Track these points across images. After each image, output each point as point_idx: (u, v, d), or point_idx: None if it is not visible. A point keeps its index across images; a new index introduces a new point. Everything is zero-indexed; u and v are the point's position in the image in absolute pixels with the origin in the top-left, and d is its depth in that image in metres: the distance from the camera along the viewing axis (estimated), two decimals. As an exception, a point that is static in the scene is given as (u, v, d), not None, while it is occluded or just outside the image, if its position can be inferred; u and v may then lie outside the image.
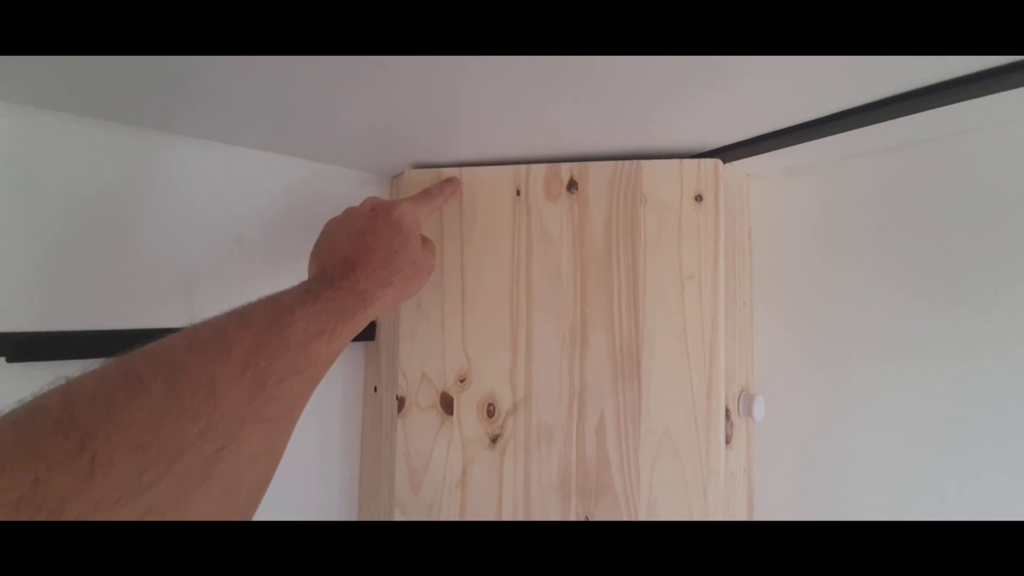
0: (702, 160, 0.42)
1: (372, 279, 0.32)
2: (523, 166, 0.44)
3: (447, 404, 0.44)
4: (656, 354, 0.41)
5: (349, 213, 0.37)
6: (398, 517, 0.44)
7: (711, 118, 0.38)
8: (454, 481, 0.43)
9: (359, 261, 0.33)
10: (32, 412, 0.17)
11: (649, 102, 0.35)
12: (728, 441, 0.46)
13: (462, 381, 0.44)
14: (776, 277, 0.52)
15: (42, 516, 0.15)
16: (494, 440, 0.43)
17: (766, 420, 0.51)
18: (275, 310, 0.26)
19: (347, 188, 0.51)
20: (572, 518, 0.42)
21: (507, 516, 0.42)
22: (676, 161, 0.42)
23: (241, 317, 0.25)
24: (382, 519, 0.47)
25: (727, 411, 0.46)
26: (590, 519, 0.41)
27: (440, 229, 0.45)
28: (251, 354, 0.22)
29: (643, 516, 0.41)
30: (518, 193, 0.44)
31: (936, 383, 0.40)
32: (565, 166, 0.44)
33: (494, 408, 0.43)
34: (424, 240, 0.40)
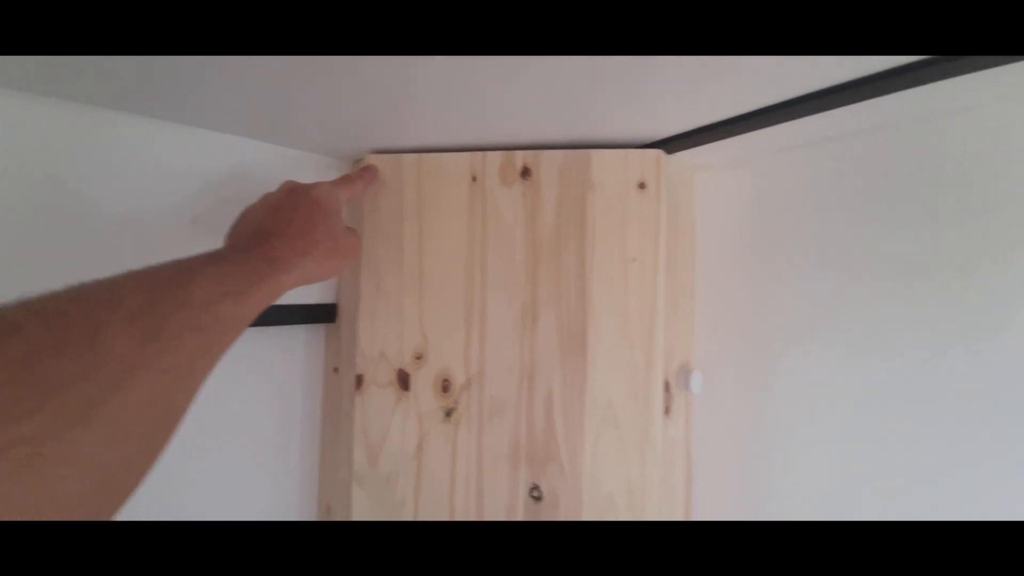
0: (645, 150, 0.45)
1: (287, 247, 0.32)
2: (479, 153, 0.46)
3: (404, 380, 0.46)
4: (601, 332, 0.44)
5: (265, 196, 0.38)
6: (356, 491, 0.46)
7: (652, 111, 0.41)
8: (410, 453, 0.45)
9: (275, 231, 0.33)
10: None
11: (593, 97, 0.37)
12: (667, 412, 0.49)
13: (419, 358, 0.46)
14: (717, 262, 0.56)
15: None
16: (448, 414, 0.45)
17: (705, 394, 0.55)
18: (176, 270, 0.26)
19: (308, 171, 0.52)
20: (521, 486, 0.44)
21: (460, 485, 0.45)
22: (622, 151, 0.45)
23: (137, 275, 0.25)
24: (341, 494, 0.48)
25: (667, 384, 0.49)
26: (538, 485, 0.44)
27: (400, 212, 0.47)
28: (143, 308, 0.23)
29: (586, 482, 0.44)
30: (474, 179, 0.46)
31: (857, 363, 0.44)
32: (519, 154, 0.46)
33: (449, 383, 0.45)
34: (349, 228, 0.41)
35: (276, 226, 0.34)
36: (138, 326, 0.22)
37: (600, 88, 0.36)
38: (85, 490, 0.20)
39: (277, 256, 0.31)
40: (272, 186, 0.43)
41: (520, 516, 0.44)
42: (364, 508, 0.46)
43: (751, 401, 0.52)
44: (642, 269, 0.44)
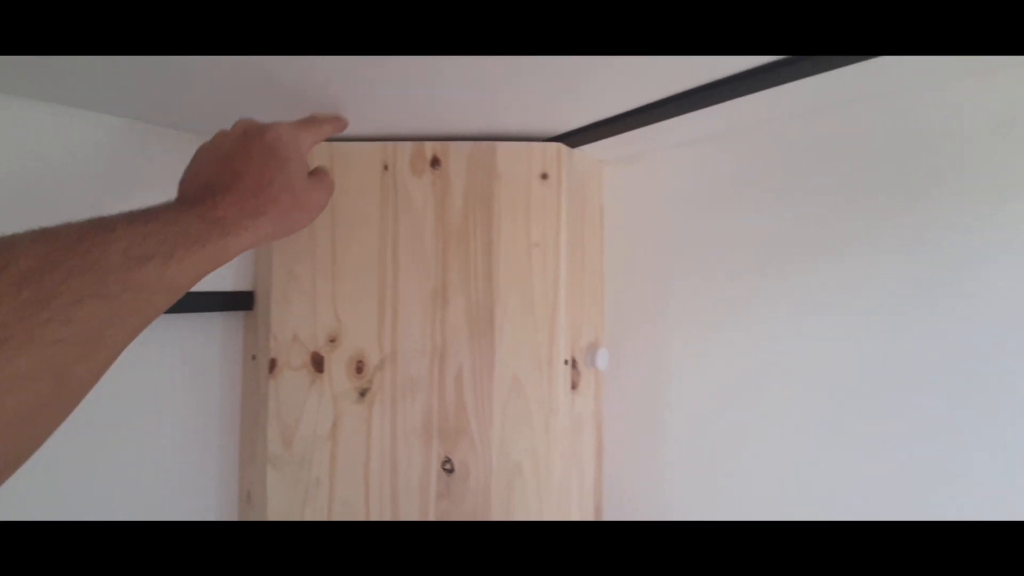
0: (547, 144, 0.49)
1: (236, 207, 0.29)
2: (390, 143, 0.48)
3: (318, 363, 0.47)
4: (507, 312, 0.47)
5: (218, 137, 0.34)
6: (271, 473, 0.47)
7: (551, 108, 0.44)
8: (325, 434, 0.47)
9: (222, 186, 0.29)
10: None
11: (498, 94, 0.40)
12: (575, 387, 0.53)
13: (332, 341, 0.47)
14: (623, 249, 0.60)
15: None
16: (363, 394, 0.47)
17: (615, 370, 0.60)
18: (88, 228, 0.23)
19: (177, 153, 0.51)
20: (434, 460, 0.47)
21: (375, 462, 0.47)
22: (525, 144, 0.48)
23: (40, 233, 0.22)
24: (258, 479, 0.49)
25: (574, 361, 0.53)
26: (450, 458, 0.47)
27: (310, 199, 0.48)
28: (36, 270, 0.20)
29: (495, 452, 0.47)
30: (385, 168, 0.48)
31: (750, 344, 0.49)
32: (429, 144, 0.48)
33: (363, 365, 0.47)
34: (316, 172, 0.37)
35: (224, 180, 0.30)
36: (25, 292, 0.20)
37: (504, 86, 0.39)
38: None
39: (223, 216, 0.28)
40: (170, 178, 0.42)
41: (433, 489, 0.47)
42: (279, 490, 0.47)
43: (653, 378, 0.57)
44: (544, 253, 0.48)
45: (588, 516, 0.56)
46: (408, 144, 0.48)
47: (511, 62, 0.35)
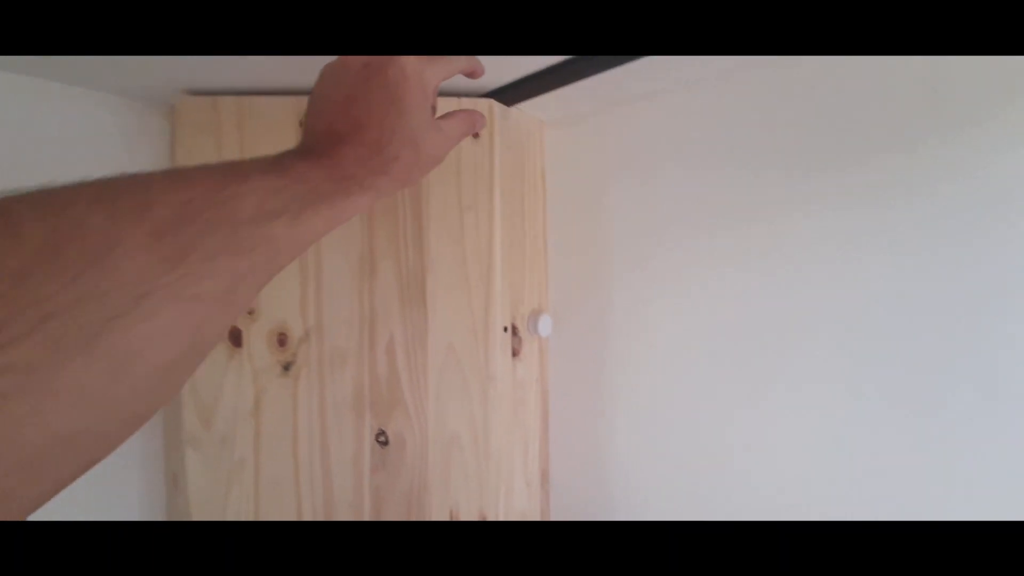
0: (479, 100, 0.46)
1: (361, 165, 0.27)
2: (305, 96, 0.44)
3: (235, 337, 0.44)
4: (439, 279, 0.46)
5: (341, 65, 0.30)
6: (190, 454, 0.44)
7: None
8: (247, 411, 0.44)
9: (346, 137, 0.27)
10: None
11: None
12: (516, 354, 0.53)
13: (250, 314, 0.44)
14: (567, 213, 0.59)
15: None
16: (287, 368, 0.44)
17: (560, 336, 0.59)
18: (225, 176, 0.22)
19: (108, 117, 0.46)
20: (366, 432, 0.45)
21: (303, 438, 0.45)
22: (454, 99, 0.46)
23: (178, 176, 0.21)
24: (180, 460, 0.46)
25: (515, 328, 0.52)
26: (384, 430, 0.45)
27: (220, 159, 0.44)
28: (174, 221, 0.19)
29: (431, 422, 0.46)
30: (301, 124, 0.44)
31: (693, 302, 0.49)
32: (349, 99, 0.45)
33: (286, 337, 0.44)
34: (447, 117, 0.33)
35: (347, 128, 0.28)
36: (165, 243, 0.19)
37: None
38: (84, 425, 0.18)
39: (350, 175, 0.26)
40: (58, 139, 0.37)
41: (367, 462, 0.45)
42: (200, 471, 0.44)
43: (600, 343, 0.57)
44: (477, 217, 0.46)
45: (534, 482, 0.57)
46: (327, 99, 0.44)
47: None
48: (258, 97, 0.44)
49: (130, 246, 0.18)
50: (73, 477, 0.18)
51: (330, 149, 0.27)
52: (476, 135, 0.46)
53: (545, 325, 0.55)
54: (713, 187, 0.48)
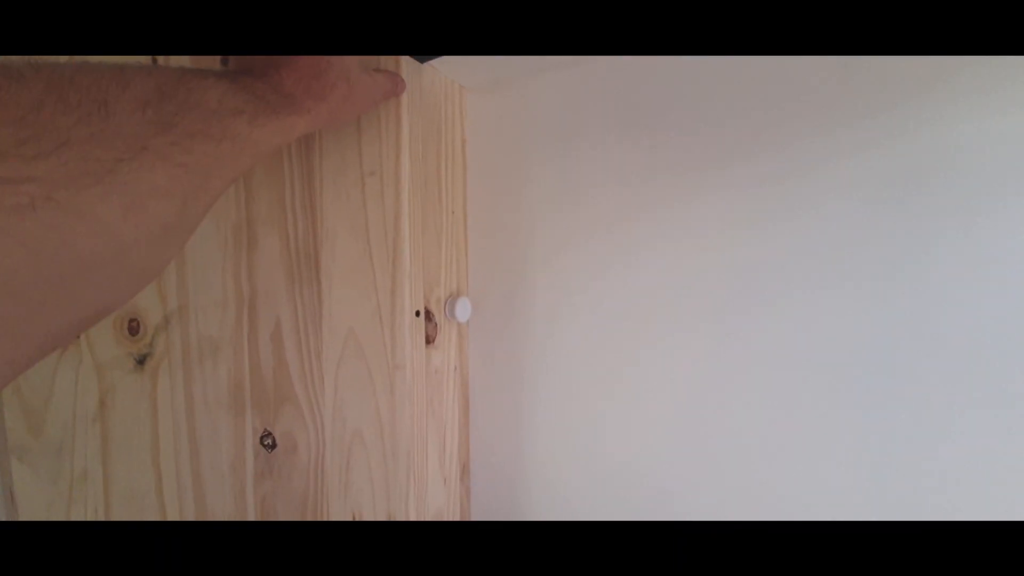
0: (383, 56, 0.40)
1: (301, 86, 0.29)
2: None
3: (69, 324, 0.35)
4: (336, 254, 0.39)
5: None
6: (16, 466, 0.35)
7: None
8: (89, 415, 0.36)
9: (283, 61, 0.28)
10: None
11: None
12: (431, 341, 0.48)
13: (90, 294, 0.36)
14: (488, 188, 0.54)
15: None
16: (141, 361, 0.36)
17: (481, 322, 0.55)
18: (183, 72, 0.23)
19: None
20: (248, 434, 0.39)
21: (165, 443, 0.37)
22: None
23: (143, 66, 0.22)
24: (6, 472, 0.37)
25: (429, 312, 0.47)
26: (270, 431, 0.39)
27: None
28: (152, 96, 0.21)
29: (328, 419, 0.40)
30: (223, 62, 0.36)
31: (619, 280, 0.46)
32: (219, 34, 0.37)
33: (138, 324, 0.36)
34: (380, 71, 0.36)
35: (283, 57, 0.28)
36: (149, 113, 0.20)
37: None
38: (101, 254, 0.19)
39: (291, 92, 0.28)
40: None
41: (250, 469, 0.39)
42: (30, 485, 0.36)
43: (522, 327, 0.53)
44: (382, 184, 0.40)
45: (453, 476, 0.52)
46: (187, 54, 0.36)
47: None
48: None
49: (119, 107, 0.19)
50: (82, 322, 0.19)
51: (269, 70, 0.28)
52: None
53: (463, 310, 0.51)
54: (640, 165, 0.45)
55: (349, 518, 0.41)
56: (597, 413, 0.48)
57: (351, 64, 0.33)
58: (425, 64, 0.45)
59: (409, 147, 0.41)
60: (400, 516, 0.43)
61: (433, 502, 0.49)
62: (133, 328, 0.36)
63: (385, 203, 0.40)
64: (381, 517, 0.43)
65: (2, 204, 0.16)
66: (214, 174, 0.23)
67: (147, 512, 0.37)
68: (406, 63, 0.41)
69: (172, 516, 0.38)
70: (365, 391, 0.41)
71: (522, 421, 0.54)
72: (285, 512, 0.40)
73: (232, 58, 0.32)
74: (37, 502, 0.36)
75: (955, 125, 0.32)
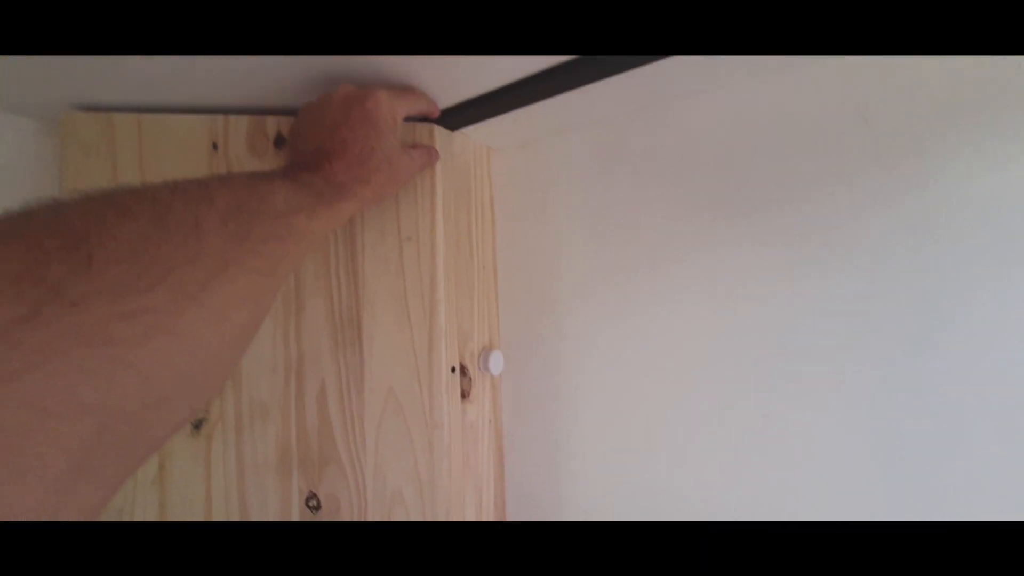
0: (419, 124, 0.42)
1: (348, 174, 0.32)
2: (220, 116, 0.39)
3: (133, 392, 0.38)
4: (377, 316, 0.41)
5: (323, 100, 0.36)
6: (79, 532, 0.37)
7: (419, 80, 0.38)
8: (149, 478, 0.38)
9: (334, 154, 0.32)
10: (24, 216, 0.18)
11: (360, 66, 0.33)
12: (466, 396, 0.48)
13: (152, 364, 0.38)
14: (516, 242, 0.56)
15: (42, 290, 0.16)
16: (197, 426, 0.38)
17: (513, 373, 0.56)
18: (254, 179, 0.26)
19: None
20: (294, 495, 0.40)
21: (217, 504, 0.38)
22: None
23: (223, 178, 0.25)
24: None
25: (464, 368, 0.48)
26: (315, 493, 0.40)
27: (114, 183, 0.38)
28: (232, 209, 0.23)
29: (370, 480, 0.41)
30: (215, 147, 0.39)
31: (648, 332, 0.46)
32: (271, 119, 0.40)
33: (195, 390, 0.38)
34: (416, 146, 0.40)
35: (335, 147, 0.33)
36: (230, 226, 0.23)
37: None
38: (196, 366, 0.21)
39: (340, 182, 0.31)
40: None
41: (295, 528, 0.40)
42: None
43: (555, 378, 0.53)
44: (419, 248, 0.42)
45: (488, 532, 0.52)
46: (244, 118, 0.39)
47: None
48: (161, 115, 0.39)
49: (208, 226, 0.22)
50: (183, 422, 0.21)
51: (323, 162, 0.32)
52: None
53: (496, 363, 0.51)
54: (662, 217, 0.46)
55: (390, 578, 0.41)
56: (632, 458, 0.48)
57: (392, 146, 0.36)
58: (456, 131, 0.47)
59: (443, 212, 0.43)
60: None
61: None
62: (190, 394, 0.38)
63: (421, 267, 0.42)
64: None
65: (123, 337, 0.17)
66: (280, 270, 0.26)
67: (197, 574, 0.38)
68: (439, 132, 0.44)
69: (221, 578, 0.39)
70: (404, 450, 0.42)
71: (557, 470, 0.53)
72: (328, 573, 0.40)
73: (286, 149, 0.35)
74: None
75: (979, 176, 0.32)
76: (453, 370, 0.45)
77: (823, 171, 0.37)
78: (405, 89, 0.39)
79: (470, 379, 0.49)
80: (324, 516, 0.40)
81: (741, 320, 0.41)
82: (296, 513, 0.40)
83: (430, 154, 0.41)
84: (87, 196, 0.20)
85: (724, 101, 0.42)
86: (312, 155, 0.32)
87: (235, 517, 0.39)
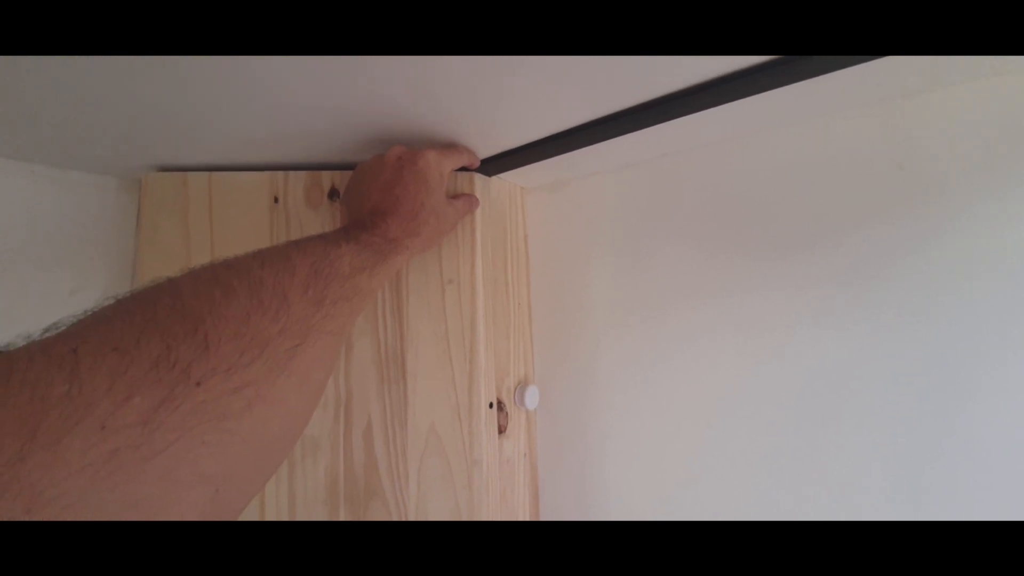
0: (460, 173, 0.45)
1: (401, 228, 0.35)
2: (280, 173, 0.43)
3: (197, 428, 0.41)
4: (420, 356, 0.43)
5: (376, 161, 0.38)
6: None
7: (465, 135, 0.41)
8: (208, 510, 0.40)
9: (389, 211, 0.35)
10: (147, 302, 0.20)
11: (397, 115, 0.36)
12: (503, 431, 0.50)
13: (215, 401, 0.41)
14: (550, 278, 0.58)
15: (175, 373, 0.18)
16: (253, 460, 0.41)
17: (548, 408, 0.57)
18: (326, 243, 0.29)
19: (79, 196, 0.44)
20: (341, 528, 0.41)
21: (270, 538, 0.40)
22: (436, 172, 0.45)
23: (299, 245, 0.28)
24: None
25: (501, 403, 0.50)
26: (360, 526, 0.41)
27: (187, 237, 0.42)
28: (310, 276, 0.26)
29: (412, 514, 0.42)
30: (276, 200, 0.43)
31: (682, 367, 0.47)
32: (326, 174, 0.43)
33: (253, 426, 0.41)
34: (459, 196, 0.43)
35: (389, 205, 0.35)
36: (309, 293, 0.25)
37: (410, 107, 0.35)
38: (283, 428, 0.23)
39: (395, 237, 0.34)
40: (36, 217, 0.38)
41: (341, 562, 0.41)
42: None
43: (588, 411, 0.54)
44: (460, 291, 0.44)
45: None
46: (302, 174, 0.43)
47: (415, 77, 0.31)
48: (229, 173, 0.43)
49: (293, 295, 0.24)
50: (270, 477, 0.24)
51: (379, 221, 0.34)
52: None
53: (532, 397, 0.53)
54: (694, 255, 0.47)
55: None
56: (665, 494, 0.48)
57: (440, 200, 0.39)
58: (493, 177, 0.50)
59: (482, 256, 0.45)
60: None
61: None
62: (248, 430, 0.41)
63: (462, 308, 0.44)
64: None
65: (233, 410, 0.19)
66: (347, 328, 0.28)
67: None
68: (479, 179, 0.47)
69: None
70: (445, 486, 0.43)
71: (591, 505, 0.53)
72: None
73: (341, 207, 0.39)
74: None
75: (1017, 224, 0.33)
76: (491, 405, 0.46)
77: (856, 215, 0.38)
78: (450, 146, 0.42)
79: (507, 414, 0.50)
80: (369, 550, 0.41)
81: (775, 359, 0.42)
82: (342, 546, 0.41)
83: (471, 202, 0.44)
84: (195, 274, 0.22)
85: (758, 145, 0.43)
86: (369, 214, 0.35)
87: (286, 549, 0.41)
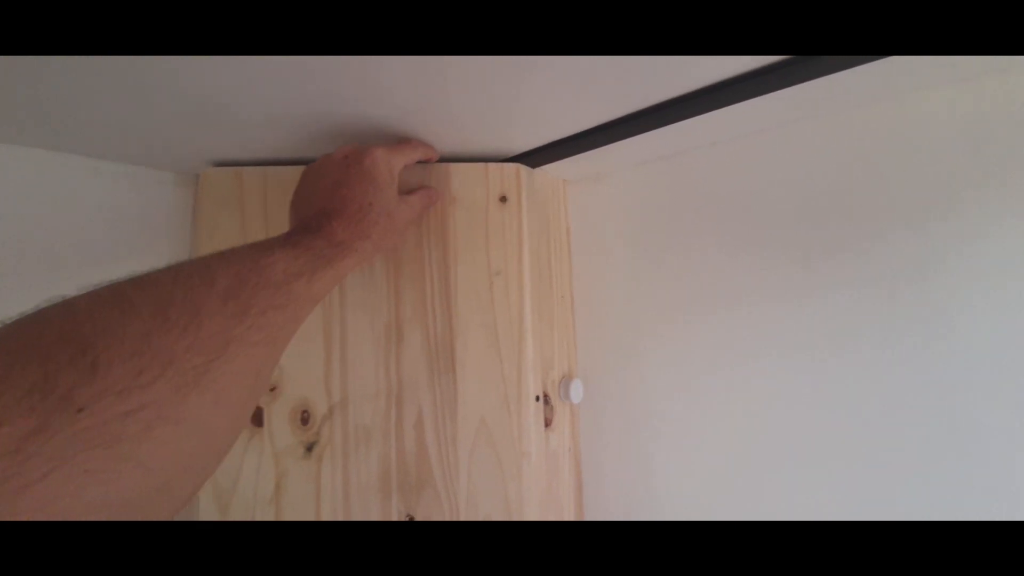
0: (506, 164, 0.45)
1: (349, 231, 0.33)
2: (332, 166, 0.44)
3: (256, 416, 0.42)
4: (469, 347, 0.43)
5: (323, 161, 0.37)
6: (206, 545, 0.41)
7: (509, 126, 0.41)
8: (267, 496, 0.41)
9: (335, 213, 0.33)
10: (37, 321, 0.20)
11: (452, 109, 0.36)
12: (548, 424, 0.49)
13: (273, 390, 0.42)
14: (592, 271, 0.57)
15: (51, 401, 0.17)
16: (309, 448, 0.42)
17: (591, 402, 0.56)
18: (256, 251, 0.28)
19: (139, 189, 0.46)
20: (394, 517, 0.42)
21: (326, 525, 0.41)
22: (482, 165, 0.45)
23: (224, 256, 0.27)
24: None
25: (546, 396, 0.50)
26: (412, 517, 0.42)
27: (243, 231, 0.43)
28: (233, 287, 0.25)
29: (463, 505, 0.42)
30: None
31: (727, 364, 0.46)
32: (376, 167, 0.44)
33: (308, 415, 0.42)
34: (414, 192, 0.41)
35: (335, 206, 0.34)
36: (230, 305, 0.24)
37: (458, 101, 0.35)
38: (197, 449, 0.22)
39: (341, 240, 0.32)
40: (97, 208, 0.39)
41: (394, 550, 0.42)
42: (215, 565, 0.41)
43: (632, 405, 0.54)
44: (507, 282, 0.44)
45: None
46: (353, 168, 0.44)
47: (465, 74, 0.31)
48: (284, 168, 0.44)
49: (209, 308, 0.23)
50: (187, 501, 0.22)
51: (325, 223, 0.33)
52: (503, 199, 0.45)
53: (577, 391, 0.52)
54: (743, 242, 0.46)
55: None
56: (708, 489, 0.47)
57: (390, 198, 0.37)
58: (536, 169, 0.50)
59: (528, 247, 0.45)
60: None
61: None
62: (304, 419, 0.42)
63: (510, 300, 0.44)
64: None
65: (127, 434, 0.18)
66: (280, 339, 0.27)
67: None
68: (524, 171, 0.46)
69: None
70: (495, 477, 0.43)
71: (634, 499, 0.53)
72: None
73: (290, 212, 0.37)
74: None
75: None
76: (537, 399, 0.46)
77: (896, 216, 0.37)
78: (401, 142, 0.40)
79: (552, 408, 0.50)
80: (420, 539, 0.42)
81: (822, 357, 0.41)
82: (395, 535, 0.42)
83: (429, 195, 0.42)
84: (96, 294, 0.21)
85: (803, 134, 0.42)
86: (315, 217, 0.33)
87: (340, 536, 0.41)
